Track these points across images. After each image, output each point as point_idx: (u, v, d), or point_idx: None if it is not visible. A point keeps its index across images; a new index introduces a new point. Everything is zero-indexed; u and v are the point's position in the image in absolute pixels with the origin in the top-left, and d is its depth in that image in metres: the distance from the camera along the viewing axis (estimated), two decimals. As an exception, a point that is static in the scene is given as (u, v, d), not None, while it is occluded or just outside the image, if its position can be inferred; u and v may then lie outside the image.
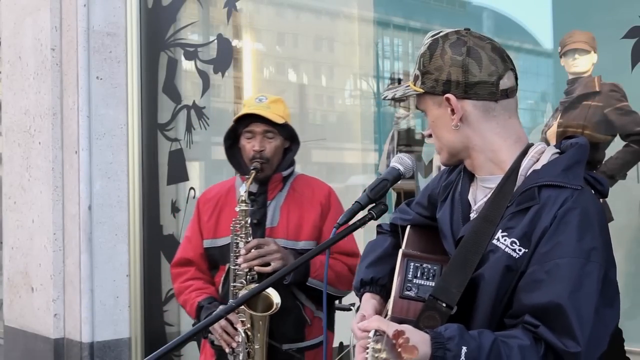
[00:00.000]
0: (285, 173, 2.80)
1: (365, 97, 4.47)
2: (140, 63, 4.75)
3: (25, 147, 4.83)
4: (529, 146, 1.66)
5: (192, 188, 4.74)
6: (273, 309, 2.58)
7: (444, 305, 1.53)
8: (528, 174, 1.61)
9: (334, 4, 4.69)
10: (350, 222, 1.75)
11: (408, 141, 3.94)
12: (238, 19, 4.69)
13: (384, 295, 1.89)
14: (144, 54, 4.78)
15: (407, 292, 1.61)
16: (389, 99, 1.79)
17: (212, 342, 2.79)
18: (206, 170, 4.91)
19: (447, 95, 1.62)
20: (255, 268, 2.62)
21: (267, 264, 2.62)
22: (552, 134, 3.00)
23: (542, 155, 1.63)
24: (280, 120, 2.74)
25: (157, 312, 4.71)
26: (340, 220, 1.73)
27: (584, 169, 1.60)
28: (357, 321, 1.83)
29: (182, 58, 4.82)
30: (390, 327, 1.40)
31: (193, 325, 2.76)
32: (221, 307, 2.67)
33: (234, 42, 4.67)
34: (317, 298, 2.76)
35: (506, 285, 1.53)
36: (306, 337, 2.74)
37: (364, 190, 1.78)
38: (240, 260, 2.63)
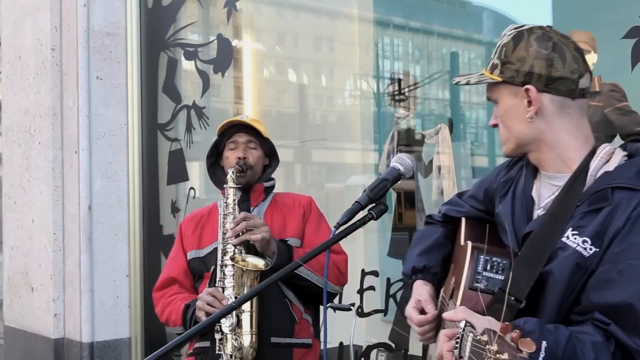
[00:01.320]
0: (267, 184, 2.90)
1: (365, 97, 4.47)
2: (140, 63, 4.75)
3: (25, 147, 4.83)
4: (596, 147, 1.67)
5: (192, 188, 4.75)
6: (263, 269, 2.64)
7: (513, 298, 1.56)
8: (599, 174, 1.62)
9: (334, 4, 4.69)
10: (351, 222, 1.75)
11: (408, 141, 3.94)
12: (238, 19, 4.69)
13: (435, 283, 1.94)
14: (144, 54, 4.78)
15: (477, 284, 1.64)
16: (462, 84, 1.77)
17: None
18: (206, 170, 4.91)
19: (528, 86, 1.64)
20: (244, 236, 2.67)
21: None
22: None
23: (611, 156, 1.65)
24: (263, 133, 2.88)
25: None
26: (340, 220, 1.74)
27: None
28: (413, 305, 1.89)
29: (182, 58, 4.82)
30: (478, 320, 1.44)
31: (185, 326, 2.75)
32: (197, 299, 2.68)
33: (234, 42, 4.67)
34: (305, 297, 2.79)
35: (575, 282, 1.56)
36: (295, 334, 2.75)
37: (364, 190, 1.78)
38: (229, 234, 2.68)
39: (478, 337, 1.29)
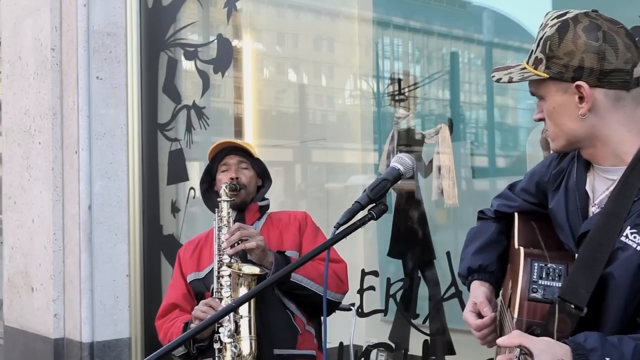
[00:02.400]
0: (261, 204, 2.93)
1: (365, 97, 4.47)
2: (140, 63, 4.75)
3: (25, 147, 4.83)
4: None
5: (192, 188, 4.75)
6: (259, 274, 2.65)
7: (573, 306, 1.48)
8: None
9: (334, 4, 4.68)
10: (351, 222, 1.75)
11: (408, 141, 3.94)
12: (238, 19, 4.69)
13: (493, 281, 1.88)
14: (144, 54, 4.78)
15: (533, 294, 1.57)
16: (503, 82, 1.63)
17: None
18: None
19: (579, 82, 1.53)
20: (239, 246, 2.68)
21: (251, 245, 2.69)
22: (552, 134, 2.99)
23: None
24: (254, 154, 2.93)
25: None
26: (340, 220, 1.72)
27: None
28: (470, 309, 1.83)
29: (182, 58, 4.82)
30: (534, 343, 1.38)
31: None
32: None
33: (234, 42, 4.67)
34: (307, 309, 2.78)
35: (639, 284, 1.47)
36: (298, 346, 2.74)
37: (364, 190, 1.77)
38: (224, 244, 2.69)
39: None
